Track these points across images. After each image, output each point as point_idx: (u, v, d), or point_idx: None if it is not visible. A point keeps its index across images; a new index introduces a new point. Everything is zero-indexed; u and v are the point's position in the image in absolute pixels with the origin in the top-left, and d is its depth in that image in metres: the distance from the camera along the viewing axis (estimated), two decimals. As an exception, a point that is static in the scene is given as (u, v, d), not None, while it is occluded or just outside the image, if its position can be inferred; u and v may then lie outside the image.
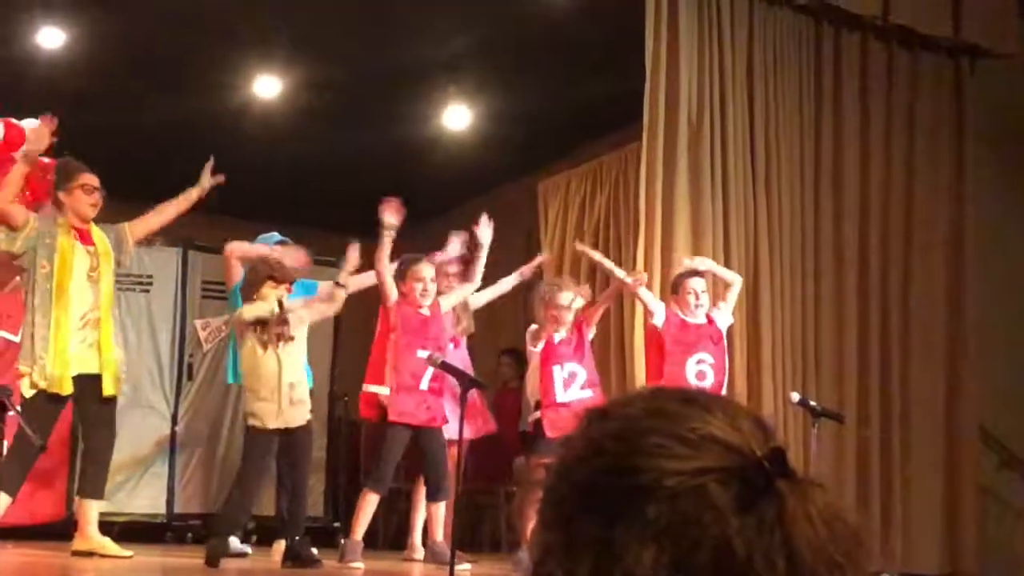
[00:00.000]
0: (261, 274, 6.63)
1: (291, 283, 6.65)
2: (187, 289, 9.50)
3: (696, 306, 7.17)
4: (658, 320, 7.17)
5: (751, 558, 0.93)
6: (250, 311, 6.53)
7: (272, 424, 6.43)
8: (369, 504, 6.89)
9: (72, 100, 8.62)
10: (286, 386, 6.46)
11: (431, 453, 6.94)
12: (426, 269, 7.13)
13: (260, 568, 6.66)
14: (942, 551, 8.45)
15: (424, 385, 6.92)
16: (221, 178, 6.79)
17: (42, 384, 6.45)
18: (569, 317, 7.12)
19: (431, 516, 7.09)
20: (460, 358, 7.45)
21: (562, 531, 0.99)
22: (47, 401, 6.49)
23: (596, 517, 0.97)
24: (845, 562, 0.96)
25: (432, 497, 7.03)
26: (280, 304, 6.42)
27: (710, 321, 7.25)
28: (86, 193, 6.71)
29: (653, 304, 7.22)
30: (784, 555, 0.93)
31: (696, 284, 7.23)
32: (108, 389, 6.62)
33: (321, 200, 10.59)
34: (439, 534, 7.02)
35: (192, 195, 6.80)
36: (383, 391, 6.96)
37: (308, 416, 6.63)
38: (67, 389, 6.47)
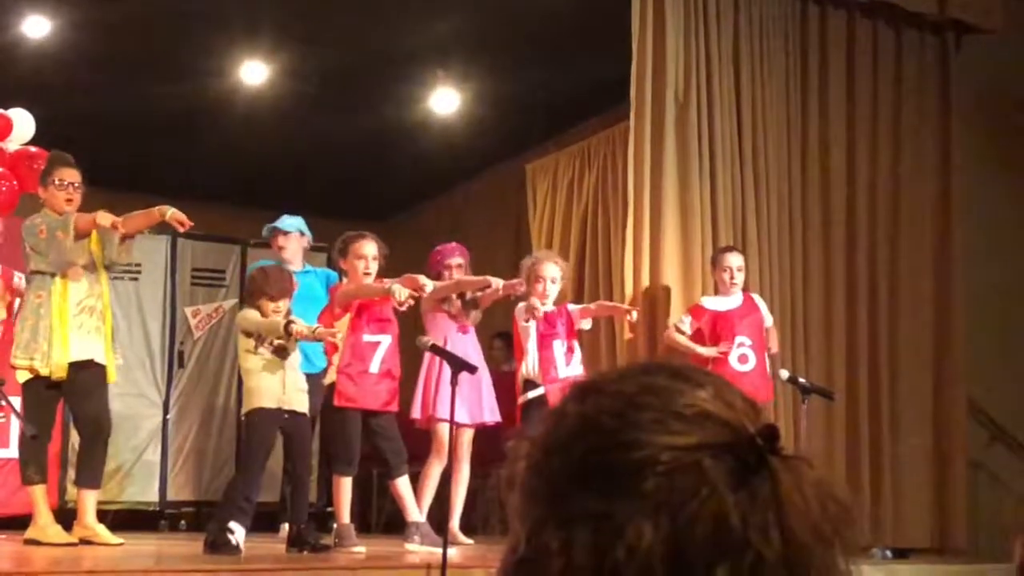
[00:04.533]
0: (256, 287, 6.60)
1: (288, 297, 6.60)
2: (176, 277, 9.50)
3: (731, 283, 7.25)
4: (687, 328, 7.27)
5: (747, 532, 0.94)
6: (249, 323, 6.53)
7: (273, 404, 6.43)
8: (345, 487, 6.87)
9: (58, 89, 8.63)
10: (288, 371, 6.49)
11: (383, 432, 6.85)
12: (368, 246, 6.95)
13: (265, 554, 6.68)
14: (932, 525, 8.49)
15: (375, 368, 6.85)
16: (185, 228, 6.62)
17: (44, 372, 6.47)
18: (552, 290, 7.10)
19: (398, 495, 6.97)
20: (472, 343, 7.43)
21: (556, 505, 0.99)
22: (47, 388, 6.54)
23: (593, 492, 0.97)
24: (836, 537, 0.97)
25: (391, 474, 6.94)
26: (287, 328, 6.37)
27: (748, 303, 7.31)
28: (60, 189, 6.68)
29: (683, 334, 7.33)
30: (778, 529, 0.95)
31: (733, 260, 7.32)
32: (111, 376, 6.66)
33: (309, 185, 10.59)
34: (414, 512, 6.93)
35: (154, 214, 6.61)
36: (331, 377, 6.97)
37: (307, 405, 6.63)
38: (63, 375, 6.50)
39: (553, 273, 7.12)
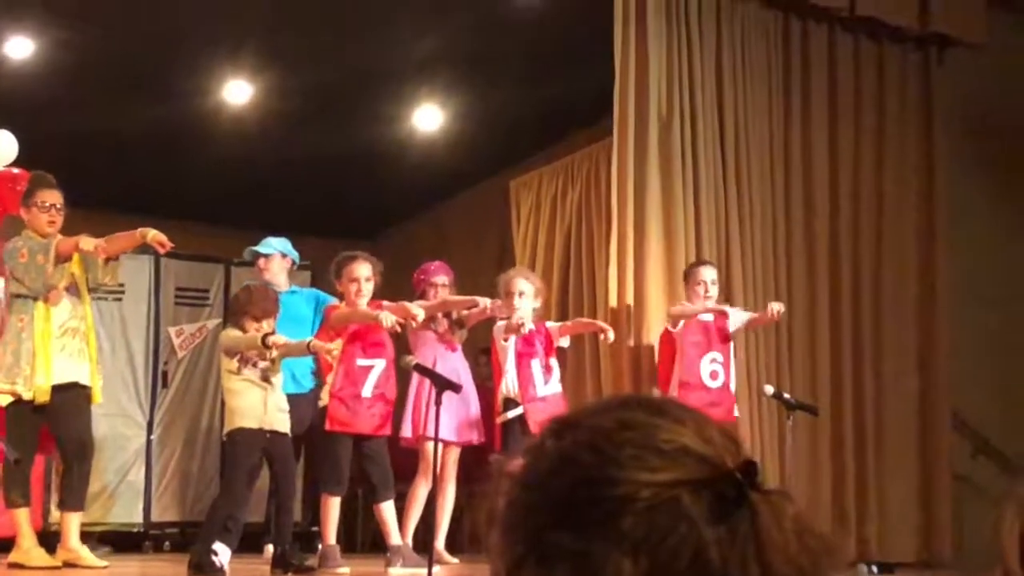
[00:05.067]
0: (239, 307, 6.60)
1: (272, 318, 6.59)
2: (160, 296, 9.48)
3: (706, 297, 7.22)
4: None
5: (727, 569, 0.94)
6: (229, 339, 6.51)
7: (255, 424, 6.41)
8: (333, 508, 6.85)
9: (40, 110, 8.60)
10: (270, 391, 6.47)
11: (373, 456, 6.85)
12: (360, 268, 6.93)
13: (249, 575, 6.66)
14: (918, 539, 8.49)
15: (367, 392, 6.83)
16: (165, 249, 6.61)
17: (27, 396, 6.45)
18: (521, 304, 7.05)
19: (382, 519, 6.95)
20: (460, 362, 7.42)
21: (533, 543, 0.99)
22: (32, 412, 6.51)
23: (571, 529, 0.97)
24: (813, 572, 0.97)
25: (378, 498, 6.93)
26: (265, 341, 6.35)
27: (720, 318, 7.29)
28: (42, 211, 6.66)
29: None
30: (758, 565, 0.95)
31: (707, 274, 7.28)
32: (97, 397, 6.65)
33: (293, 204, 10.57)
34: (395, 536, 6.91)
35: (136, 236, 6.58)
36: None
37: (288, 425, 6.61)
38: (47, 399, 6.48)
39: (522, 288, 7.09)
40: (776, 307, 7.29)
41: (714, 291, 7.33)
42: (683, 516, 0.95)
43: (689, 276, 7.41)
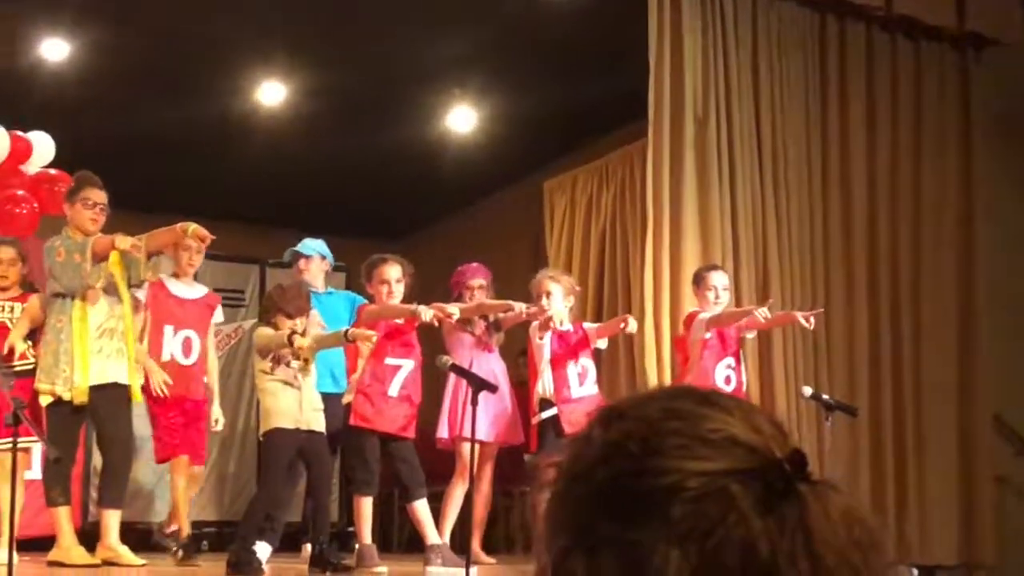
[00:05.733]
0: (273, 304, 6.59)
1: (305, 316, 6.59)
2: (197, 297, 9.49)
3: (716, 303, 7.13)
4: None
5: (775, 559, 0.93)
6: (260, 337, 6.53)
7: (291, 424, 6.42)
8: (365, 508, 6.85)
9: (76, 112, 8.65)
10: (304, 391, 6.47)
11: (401, 456, 6.84)
12: (390, 270, 6.95)
13: (288, 574, 6.68)
14: (958, 541, 8.44)
15: (393, 392, 6.83)
16: (206, 243, 6.64)
17: (66, 396, 6.49)
18: (551, 305, 7.04)
19: (417, 519, 6.95)
20: (496, 363, 7.43)
21: (580, 533, 0.98)
22: (72, 412, 6.55)
23: (619, 519, 0.96)
24: (863, 563, 0.96)
25: (410, 497, 6.93)
26: (290, 339, 6.35)
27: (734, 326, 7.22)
28: (86, 208, 6.70)
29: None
30: (807, 556, 0.94)
31: (718, 280, 7.19)
32: (137, 397, 6.68)
33: (327, 204, 10.60)
34: (433, 535, 6.90)
35: (176, 231, 6.62)
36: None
37: (323, 423, 6.61)
38: (85, 399, 6.52)
39: (549, 288, 7.09)
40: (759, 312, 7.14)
41: (725, 297, 7.17)
42: (732, 506, 0.94)
43: (699, 281, 7.25)
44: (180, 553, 6.88)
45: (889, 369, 8.42)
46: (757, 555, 0.93)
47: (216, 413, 7.43)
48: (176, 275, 7.32)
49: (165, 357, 7.14)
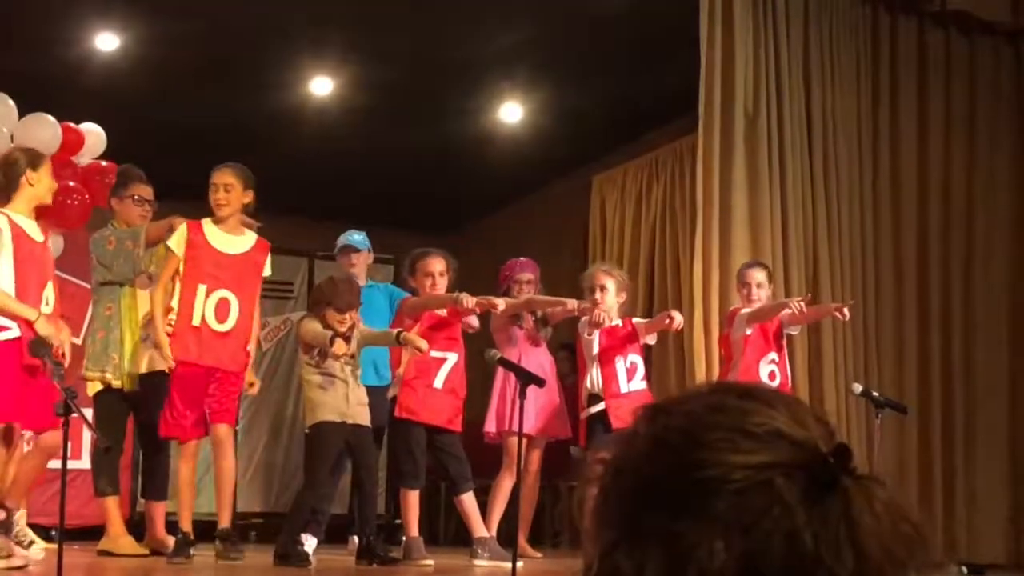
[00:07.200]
0: (323, 298, 6.56)
1: (354, 311, 6.57)
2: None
3: (750, 299, 7.10)
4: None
5: (820, 551, 0.94)
6: (305, 331, 6.51)
7: (337, 418, 6.43)
8: (413, 501, 6.88)
9: (128, 103, 8.72)
10: (351, 384, 6.47)
11: (447, 448, 6.87)
12: (434, 263, 6.99)
13: (335, 566, 6.71)
14: (1007, 541, 8.37)
15: (438, 384, 6.84)
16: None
17: (116, 384, 6.54)
18: (604, 299, 7.02)
19: (464, 512, 6.97)
20: (545, 357, 7.44)
21: (628, 526, 1.00)
22: (120, 400, 6.61)
23: (664, 512, 0.98)
24: (908, 558, 0.97)
25: (457, 490, 6.95)
26: (332, 343, 6.30)
27: (777, 320, 7.16)
28: (136, 204, 6.78)
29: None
30: (851, 548, 0.95)
31: (756, 275, 7.15)
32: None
33: (375, 197, 10.62)
34: (480, 528, 6.92)
35: (164, 225, 6.60)
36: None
37: (368, 417, 6.61)
38: (133, 387, 6.58)
39: (604, 282, 7.07)
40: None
41: (760, 294, 7.09)
42: (776, 499, 0.96)
43: (738, 277, 7.25)
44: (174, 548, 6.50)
45: (939, 367, 8.36)
46: (801, 547, 0.94)
47: (250, 376, 6.67)
48: (217, 221, 6.41)
49: (195, 321, 6.17)
